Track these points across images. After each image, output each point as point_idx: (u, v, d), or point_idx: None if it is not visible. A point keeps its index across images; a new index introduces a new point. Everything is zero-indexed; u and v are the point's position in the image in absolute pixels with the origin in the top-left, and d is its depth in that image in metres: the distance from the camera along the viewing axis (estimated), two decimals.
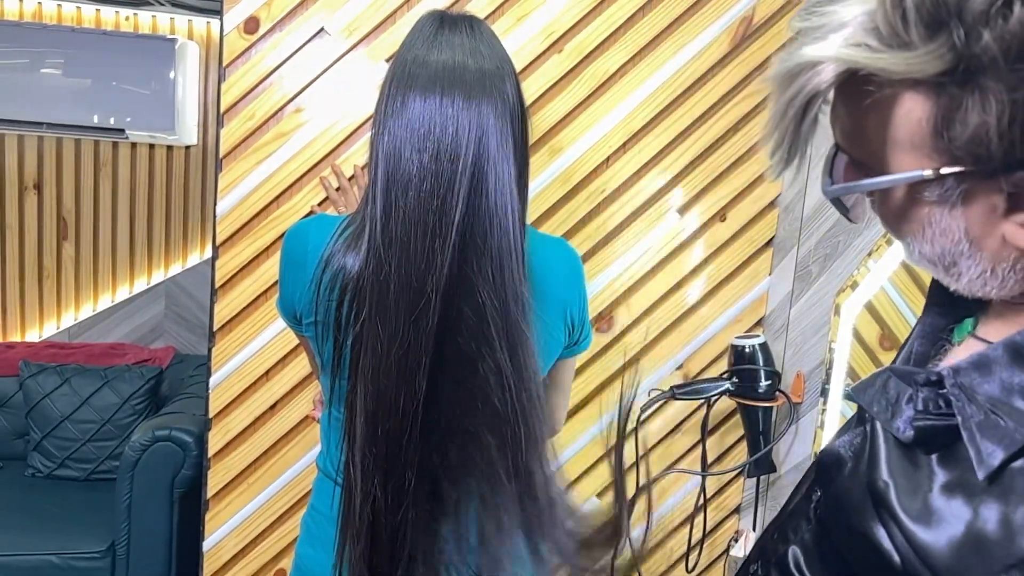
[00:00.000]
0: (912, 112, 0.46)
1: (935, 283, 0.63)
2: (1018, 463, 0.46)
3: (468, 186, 0.83)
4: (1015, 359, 0.49)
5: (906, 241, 0.53)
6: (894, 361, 0.65)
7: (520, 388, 0.96)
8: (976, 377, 0.50)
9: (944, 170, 0.47)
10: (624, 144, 1.58)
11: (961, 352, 0.56)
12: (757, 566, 0.67)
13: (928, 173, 0.47)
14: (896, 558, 0.51)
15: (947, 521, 0.48)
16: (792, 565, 0.62)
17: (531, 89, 1.53)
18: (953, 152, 0.46)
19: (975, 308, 0.58)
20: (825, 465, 0.62)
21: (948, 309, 0.60)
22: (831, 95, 0.51)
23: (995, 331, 0.54)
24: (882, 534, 0.52)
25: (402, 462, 0.86)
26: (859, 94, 0.48)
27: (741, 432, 1.60)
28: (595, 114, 1.56)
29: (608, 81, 1.56)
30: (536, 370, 0.95)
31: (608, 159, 1.58)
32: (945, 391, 0.51)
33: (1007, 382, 0.48)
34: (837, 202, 0.56)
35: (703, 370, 1.66)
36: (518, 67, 1.47)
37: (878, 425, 0.56)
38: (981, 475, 0.47)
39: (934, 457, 0.51)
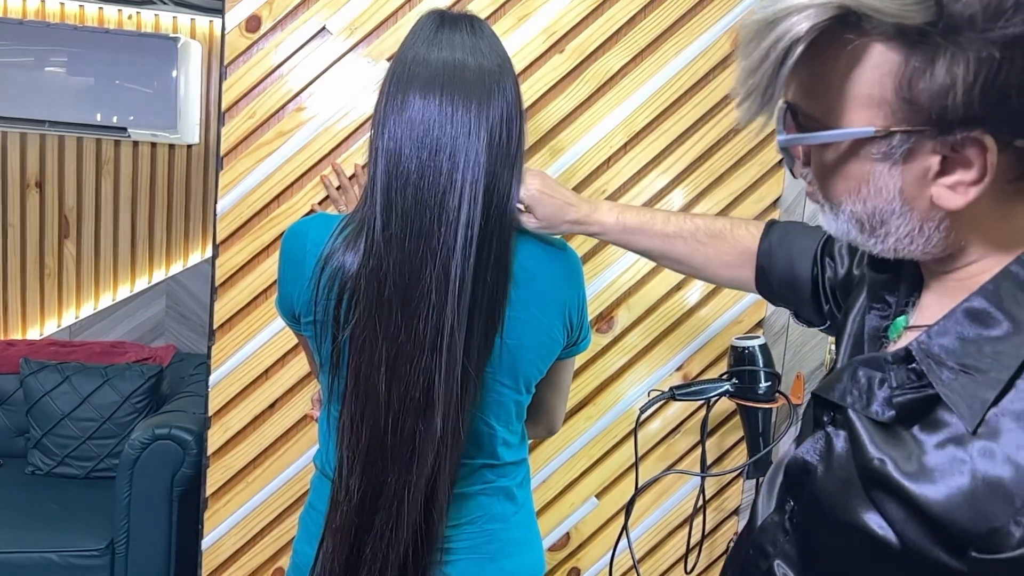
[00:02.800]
0: (882, 65, 0.50)
1: (872, 285, 0.66)
2: (995, 409, 0.50)
3: (467, 185, 0.83)
4: (971, 319, 0.53)
5: (837, 202, 0.57)
6: (836, 357, 0.68)
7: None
8: (940, 341, 0.53)
9: (894, 128, 0.50)
10: (625, 145, 1.58)
11: (901, 344, 0.59)
12: None
13: (879, 129, 0.51)
14: (892, 538, 0.53)
15: (950, 473, 0.50)
16: None
17: (532, 89, 1.53)
18: (913, 107, 0.49)
19: (907, 305, 0.62)
20: (794, 475, 0.64)
21: (884, 309, 0.64)
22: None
23: (930, 313, 0.57)
24: (874, 520, 0.54)
25: (382, 464, 0.85)
26: (833, 44, 0.50)
27: (741, 433, 1.60)
28: (596, 114, 1.56)
29: (609, 82, 1.55)
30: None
31: (609, 160, 1.58)
32: (915, 365, 0.54)
33: (969, 337, 0.52)
34: (787, 153, 0.60)
35: (703, 371, 1.66)
36: (519, 67, 1.47)
37: (852, 416, 0.57)
38: (970, 427, 0.50)
39: (914, 430, 0.54)
